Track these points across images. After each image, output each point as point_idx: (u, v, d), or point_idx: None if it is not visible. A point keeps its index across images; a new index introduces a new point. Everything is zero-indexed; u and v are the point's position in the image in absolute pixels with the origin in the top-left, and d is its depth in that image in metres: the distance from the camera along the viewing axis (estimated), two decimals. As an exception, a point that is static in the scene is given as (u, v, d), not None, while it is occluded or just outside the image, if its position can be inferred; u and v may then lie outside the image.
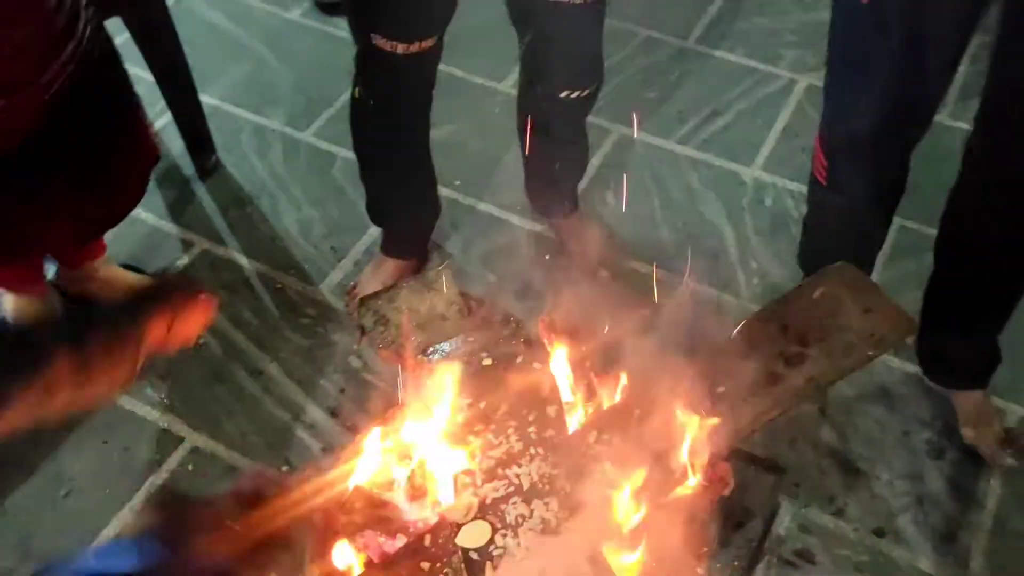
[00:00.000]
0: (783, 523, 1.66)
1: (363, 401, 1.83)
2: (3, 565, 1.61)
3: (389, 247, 2.00)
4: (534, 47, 1.70)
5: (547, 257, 2.09)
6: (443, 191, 2.16)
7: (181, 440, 1.78)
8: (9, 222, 1.50)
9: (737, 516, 1.63)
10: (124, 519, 1.66)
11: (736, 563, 1.58)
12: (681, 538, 1.17)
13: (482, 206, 2.20)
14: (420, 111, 1.76)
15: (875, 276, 1.85)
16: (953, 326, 1.72)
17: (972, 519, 1.68)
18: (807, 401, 1.22)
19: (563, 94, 1.72)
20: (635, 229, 2.16)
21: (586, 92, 1.74)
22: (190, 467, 1.75)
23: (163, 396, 1.83)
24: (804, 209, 2.16)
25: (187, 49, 2.11)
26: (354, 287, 1.98)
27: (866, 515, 1.68)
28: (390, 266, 1.97)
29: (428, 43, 1.58)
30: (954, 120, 2.18)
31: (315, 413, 1.82)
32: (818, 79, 2.48)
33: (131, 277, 1.98)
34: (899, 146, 1.54)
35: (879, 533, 1.66)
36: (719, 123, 2.39)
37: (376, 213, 1.98)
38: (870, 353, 1.24)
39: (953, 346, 1.75)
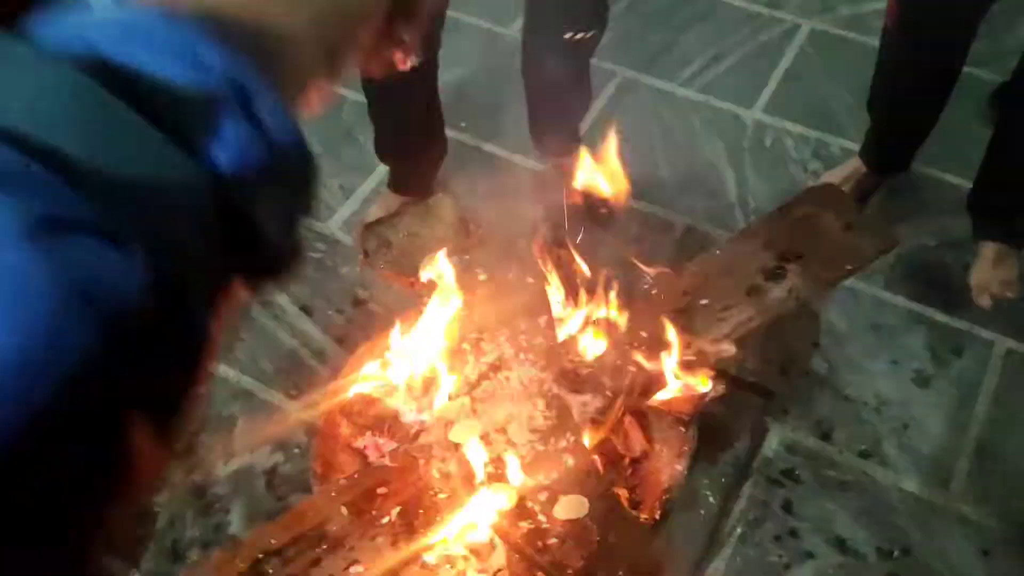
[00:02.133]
0: (771, 445, 1.73)
1: (370, 330, 1.89)
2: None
3: (395, 183, 2.06)
4: None
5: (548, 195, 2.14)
6: (449, 132, 2.21)
7: (195, 364, 1.85)
8: None
9: (725, 437, 1.70)
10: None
11: (723, 480, 1.65)
12: (662, 440, 1.23)
13: (487, 147, 2.26)
14: (429, 52, 1.81)
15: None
16: (1011, 180, 1.80)
17: (955, 444, 1.73)
18: (789, 312, 1.26)
19: (567, 35, 1.76)
20: (636, 169, 2.19)
21: (589, 34, 1.78)
22: (202, 391, 1.82)
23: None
24: (805, 151, 2.22)
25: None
26: (363, 222, 2.04)
27: (852, 439, 1.74)
28: (396, 202, 2.03)
29: None
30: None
31: (323, 341, 1.89)
32: (821, 23, 2.52)
33: None
34: None
35: (864, 455, 1.72)
36: (722, 66, 2.42)
37: (383, 150, 2.03)
38: (849, 267, 1.30)
39: (1007, 200, 1.83)
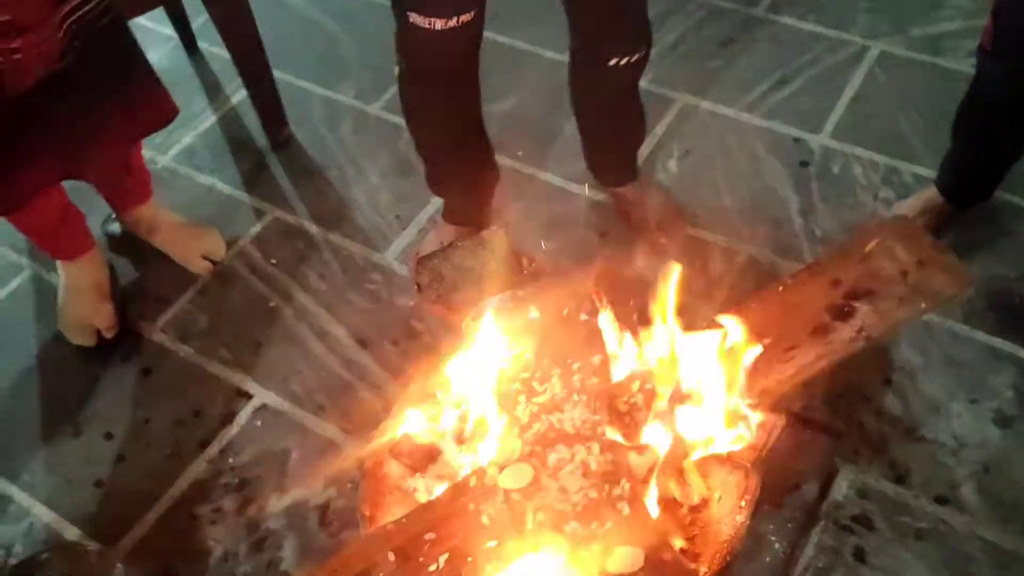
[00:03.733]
0: (841, 489, 1.64)
1: (423, 364, 1.86)
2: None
3: (449, 215, 2.04)
4: (577, 11, 1.71)
5: (605, 226, 2.10)
6: (505, 161, 2.20)
7: (250, 397, 1.86)
8: (30, 156, 1.61)
9: (793, 479, 1.63)
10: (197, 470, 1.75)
11: (790, 525, 1.58)
12: (723, 487, 1.17)
13: (543, 176, 2.22)
14: (466, 81, 1.77)
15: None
16: None
17: (1041, 489, 1.63)
18: (856, 353, 1.20)
19: (612, 62, 1.72)
20: (697, 197, 2.15)
21: (634, 58, 1.73)
22: (258, 423, 1.82)
23: (234, 355, 1.92)
24: (874, 178, 2.14)
25: (262, 28, 2.19)
26: (416, 253, 2.03)
27: (928, 482, 1.64)
28: (451, 232, 2.01)
29: (467, 17, 1.55)
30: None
31: (378, 374, 1.87)
32: (890, 45, 2.43)
33: (177, 220, 2.09)
34: None
35: (941, 501, 1.62)
36: (786, 91, 2.35)
37: (434, 183, 2.01)
38: (923, 306, 1.23)
39: None
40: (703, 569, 1.10)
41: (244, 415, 1.83)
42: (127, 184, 2.01)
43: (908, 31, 2.47)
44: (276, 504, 1.69)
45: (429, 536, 1.14)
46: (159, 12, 2.51)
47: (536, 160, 2.24)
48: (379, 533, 1.16)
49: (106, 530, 1.67)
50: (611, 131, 1.97)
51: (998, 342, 1.83)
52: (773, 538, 1.56)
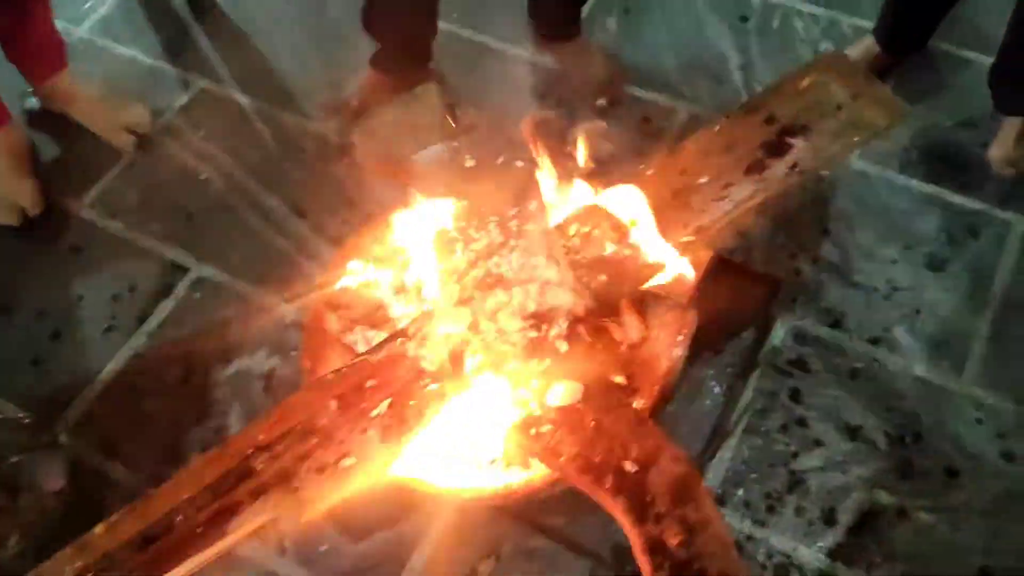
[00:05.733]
0: (778, 335, 1.68)
1: (362, 226, 1.84)
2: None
3: (380, 60, 1.96)
4: None
5: (543, 89, 2.05)
6: (441, 24, 2.12)
7: (187, 271, 1.82)
8: None
9: (732, 326, 1.66)
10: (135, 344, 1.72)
11: (729, 370, 1.61)
12: (660, 325, 1.18)
13: (480, 37, 2.16)
14: None
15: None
16: None
17: (969, 327, 1.68)
18: (792, 188, 1.20)
19: None
20: (638, 56, 2.11)
21: None
22: (197, 296, 1.79)
23: (166, 230, 1.86)
24: (814, 31, 2.11)
25: None
26: (345, 104, 1.97)
27: (862, 326, 1.69)
28: (380, 81, 1.94)
29: None
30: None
31: (317, 242, 1.83)
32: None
33: (96, 91, 2.00)
34: None
35: (875, 342, 1.67)
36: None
37: (371, 22, 1.89)
38: (857, 139, 1.22)
39: None
40: (641, 401, 1.12)
41: (182, 288, 1.80)
42: (38, 48, 1.89)
43: None
44: (220, 373, 1.68)
45: (370, 383, 1.14)
46: None
47: (472, 21, 2.17)
48: (320, 382, 1.16)
49: (47, 407, 1.64)
50: None
51: (932, 189, 1.86)
52: (713, 383, 1.60)
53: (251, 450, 1.11)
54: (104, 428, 1.63)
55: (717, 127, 1.27)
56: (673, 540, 0.94)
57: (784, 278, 1.73)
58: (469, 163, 1.31)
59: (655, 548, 0.94)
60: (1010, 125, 1.83)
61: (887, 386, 1.61)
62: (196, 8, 2.23)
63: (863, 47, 1.97)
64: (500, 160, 1.30)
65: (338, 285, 1.26)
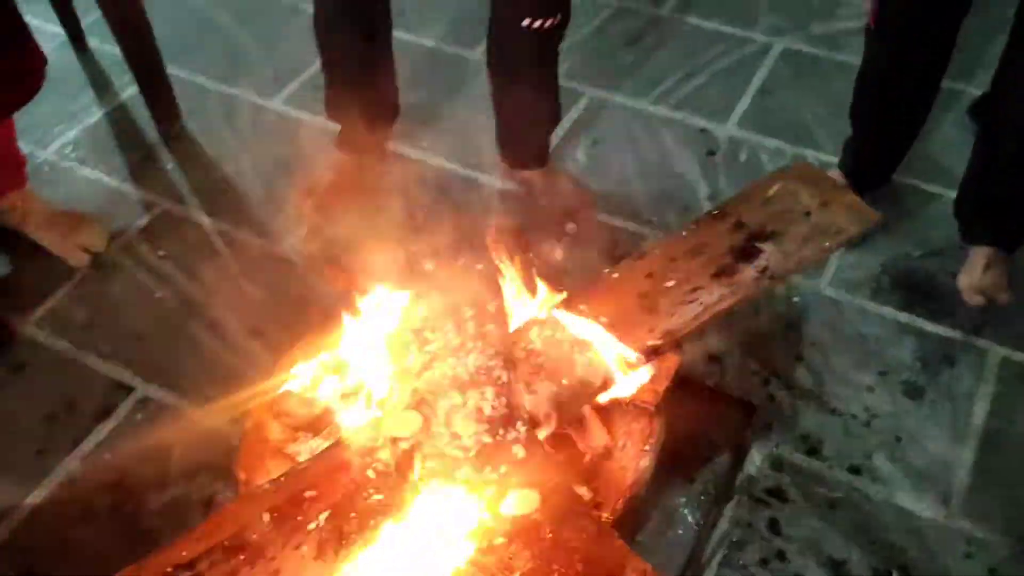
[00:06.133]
0: (754, 462, 1.59)
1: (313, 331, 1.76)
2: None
3: (342, 142, 2.04)
4: None
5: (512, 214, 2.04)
6: (410, 152, 2.14)
7: (131, 391, 1.72)
8: None
9: (704, 452, 1.57)
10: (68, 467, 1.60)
11: (703, 498, 1.52)
12: (626, 434, 1.10)
13: (450, 165, 2.16)
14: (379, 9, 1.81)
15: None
16: (999, 185, 1.76)
17: (953, 457, 1.60)
18: (761, 294, 1.15)
19: (525, 22, 1.68)
20: (607, 185, 2.12)
21: (548, 23, 1.70)
22: (139, 417, 1.69)
23: (114, 348, 1.78)
24: (779, 162, 2.13)
25: (157, 25, 2.11)
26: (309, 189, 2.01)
27: (841, 453, 1.60)
28: (343, 161, 2.00)
29: None
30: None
31: (272, 362, 1.74)
32: (792, 42, 2.47)
33: (51, 208, 1.96)
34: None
35: (855, 470, 1.58)
36: (693, 84, 2.35)
37: (333, 106, 2.01)
38: (828, 244, 1.19)
39: (995, 202, 1.79)
40: (605, 515, 1.02)
41: (124, 409, 1.70)
42: None
43: (809, 29, 2.50)
44: (154, 500, 1.55)
45: (309, 494, 1.04)
46: (46, 8, 2.39)
47: (442, 151, 2.18)
48: (254, 493, 1.06)
49: (-34, 531, 1.51)
50: (525, 102, 1.90)
51: (905, 317, 1.82)
52: (686, 511, 1.49)
53: (170, 568, 1.00)
54: (27, 556, 1.49)
55: (684, 232, 1.23)
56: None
57: (758, 404, 1.66)
58: (428, 266, 1.26)
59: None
60: (977, 254, 1.83)
61: (870, 517, 1.52)
62: (165, 133, 2.23)
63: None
64: (459, 263, 1.26)
65: (281, 390, 1.18)
